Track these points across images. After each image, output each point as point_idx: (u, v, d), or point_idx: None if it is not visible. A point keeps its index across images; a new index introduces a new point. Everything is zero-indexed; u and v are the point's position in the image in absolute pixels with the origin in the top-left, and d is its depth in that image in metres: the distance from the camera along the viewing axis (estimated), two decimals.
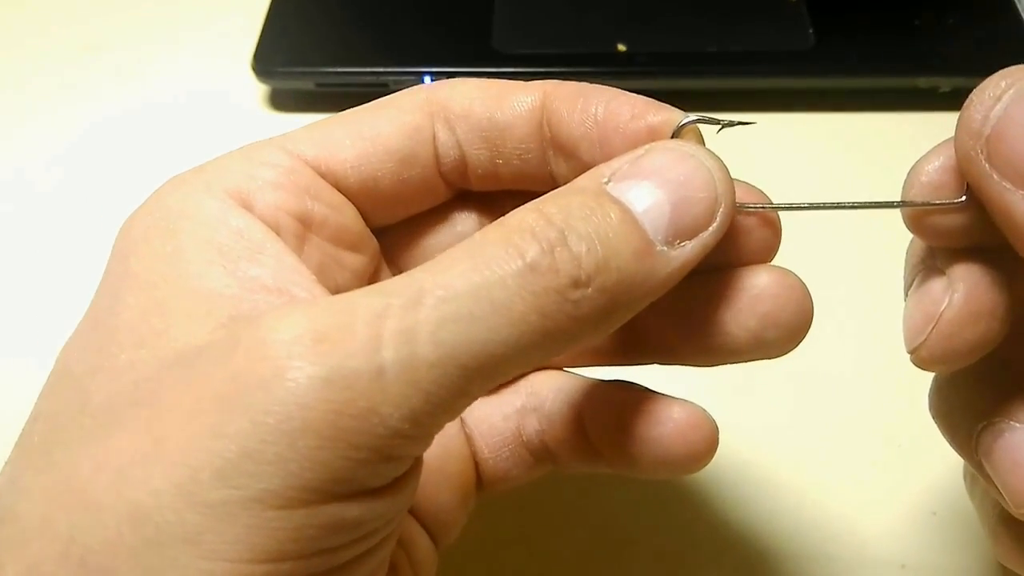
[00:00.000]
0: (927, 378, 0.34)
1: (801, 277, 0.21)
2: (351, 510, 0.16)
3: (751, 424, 0.32)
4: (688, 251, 0.18)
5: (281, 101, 0.43)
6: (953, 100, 0.42)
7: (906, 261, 0.22)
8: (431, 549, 0.22)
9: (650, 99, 0.21)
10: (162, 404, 0.16)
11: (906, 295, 0.21)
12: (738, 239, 0.21)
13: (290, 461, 0.15)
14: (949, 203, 0.19)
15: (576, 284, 0.17)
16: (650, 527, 0.29)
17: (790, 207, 0.21)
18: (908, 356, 0.20)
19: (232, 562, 0.15)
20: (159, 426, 0.16)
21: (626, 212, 0.18)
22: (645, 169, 0.19)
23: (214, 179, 0.20)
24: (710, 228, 0.18)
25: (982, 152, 0.17)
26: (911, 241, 0.21)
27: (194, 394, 0.16)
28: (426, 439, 0.17)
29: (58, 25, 0.47)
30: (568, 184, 0.19)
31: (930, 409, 0.23)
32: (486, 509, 0.25)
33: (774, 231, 0.21)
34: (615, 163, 0.19)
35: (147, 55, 0.46)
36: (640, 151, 0.19)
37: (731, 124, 0.21)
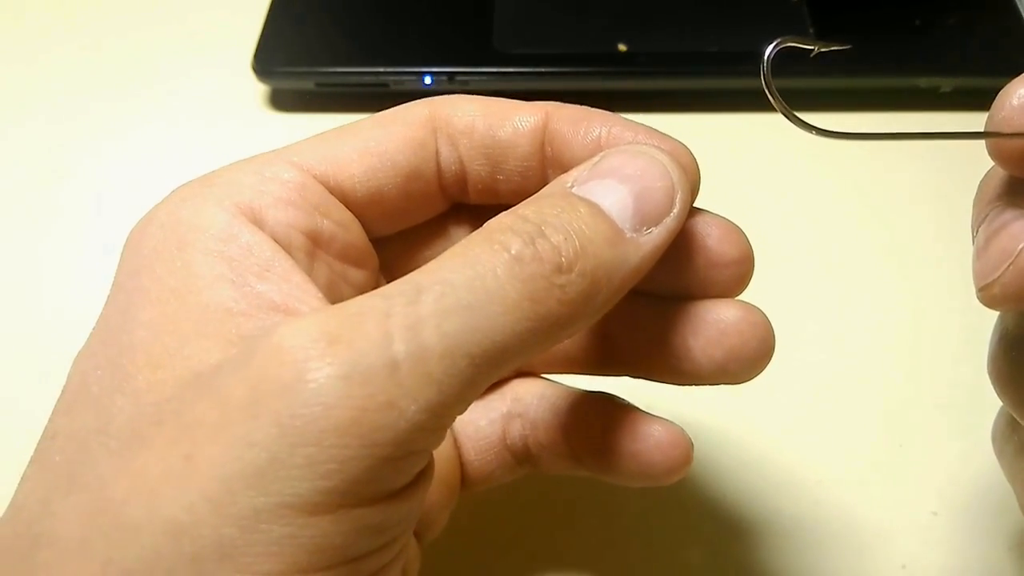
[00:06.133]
0: (927, 379, 0.34)
1: (765, 311, 0.22)
2: (375, 515, 0.17)
3: (750, 424, 0.32)
4: (656, 236, 0.19)
5: (281, 101, 0.43)
6: (954, 100, 0.42)
7: (977, 199, 0.21)
8: (416, 546, 0.23)
9: (652, 128, 0.21)
10: (186, 421, 0.17)
11: (974, 233, 0.20)
12: (712, 272, 0.22)
13: (318, 463, 0.16)
14: None
15: (560, 269, 0.18)
16: (645, 526, 0.29)
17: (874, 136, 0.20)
18: (976, 294, 0.19)
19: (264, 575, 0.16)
20: (187, 442, 0.16)
21: (593, 206, 0.19)
22: (603, 170, 0.20)
23: (224, 194, 0.20)
24: (672, 213, 0.20)
25: None
26: (984, 177, 0.21)
27: (218, 407, 0.16)
28: (441, 431, 0.18)
29: (58, 25, 0.47)
30: (536, 193, 0.20)
31: (990, 370, 0.22)
32: (475, 507, 0.25)
33: (746, 268, 0.22)
34: (574, 172, 0.20)
35: (147, 55, 0.46)
36: (595, 158, 0.20)
37: (827, 47, 0.21)
